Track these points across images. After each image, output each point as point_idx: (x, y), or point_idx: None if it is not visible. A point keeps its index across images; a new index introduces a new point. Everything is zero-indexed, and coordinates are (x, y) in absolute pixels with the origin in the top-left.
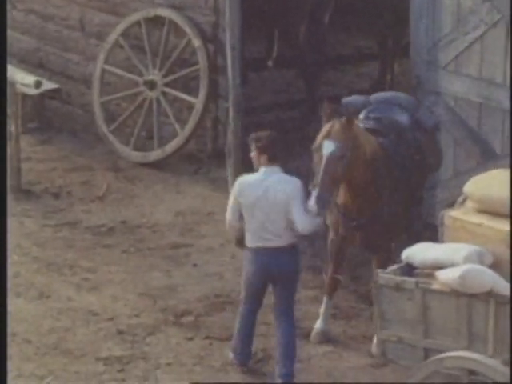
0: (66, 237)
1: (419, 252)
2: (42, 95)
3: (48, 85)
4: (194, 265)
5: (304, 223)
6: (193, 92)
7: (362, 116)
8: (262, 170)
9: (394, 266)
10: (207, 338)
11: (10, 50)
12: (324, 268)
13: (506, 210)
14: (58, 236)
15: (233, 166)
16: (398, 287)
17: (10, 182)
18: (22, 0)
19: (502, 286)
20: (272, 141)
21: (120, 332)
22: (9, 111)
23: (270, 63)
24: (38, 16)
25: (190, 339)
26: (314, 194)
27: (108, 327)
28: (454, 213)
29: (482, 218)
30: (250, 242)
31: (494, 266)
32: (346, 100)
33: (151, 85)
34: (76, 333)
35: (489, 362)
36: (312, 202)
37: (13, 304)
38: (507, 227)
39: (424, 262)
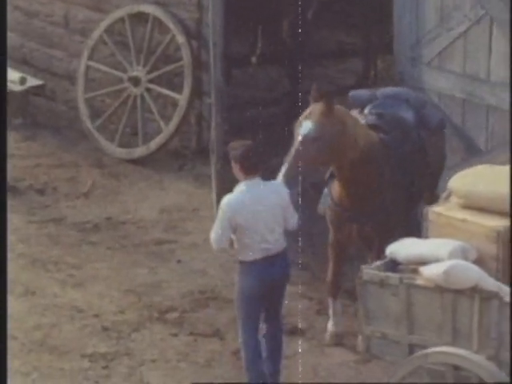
0: (50, 233)
1: (403, 248)
2: (27, 91)
3: (32, 81)
4: (179, 261)
5: (295, 221)
6: (177, 88)
7: (366, 111)
8: (243, 185)
9: (378, 262)
10: (192, 334)
11: None
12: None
13: (491, 206)
14: (42, 232)
15: (216, 163)
16: (382, 283)
17: None
18: None
19: (486, 281)
20: (247, 151)
21: (105, 328)
22: None
23: (253, 59)
24: (23, 13)
25: (175, 335)
26: (282, 170)
27: (93, 324)
28: (438, 208)
29: (466, 214)
30: (249, 256)
31: (478, 261)
32: (352, 93)
33: (135, 81)
34: (61, 329)
35: (474, 358)
36: (279, 178)
37: None
38: (491, 223)
39: (408, 258)
